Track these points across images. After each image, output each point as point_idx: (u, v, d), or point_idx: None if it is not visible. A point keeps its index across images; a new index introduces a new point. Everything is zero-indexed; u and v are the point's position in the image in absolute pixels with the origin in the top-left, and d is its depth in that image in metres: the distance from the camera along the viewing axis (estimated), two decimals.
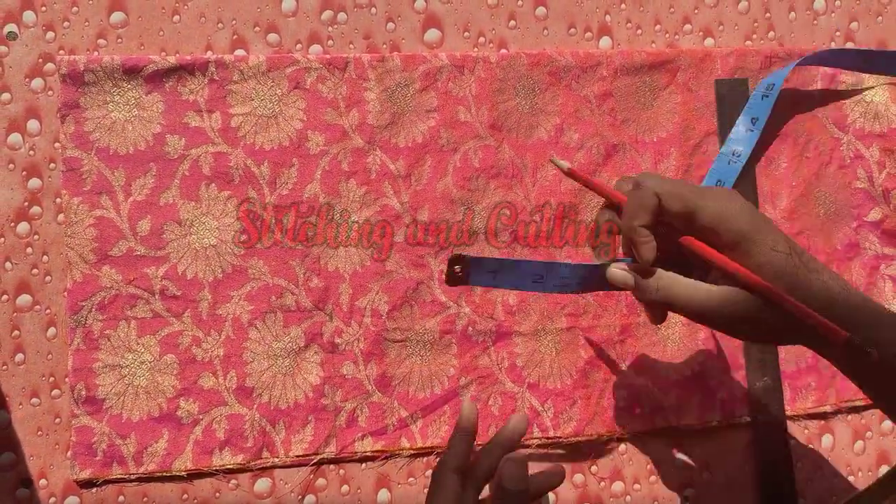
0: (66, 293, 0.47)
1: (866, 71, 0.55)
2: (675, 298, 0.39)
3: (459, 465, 0.42)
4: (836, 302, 0.37)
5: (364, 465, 0.49)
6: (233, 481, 0.48)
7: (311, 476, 0.49)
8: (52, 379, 0.47)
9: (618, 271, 0.40)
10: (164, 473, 0.47)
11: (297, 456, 0.48)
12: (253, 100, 0.49)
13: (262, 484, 0.48)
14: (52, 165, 0.48)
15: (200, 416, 0.48)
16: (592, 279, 0.42)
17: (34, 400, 0.47)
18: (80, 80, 0.47)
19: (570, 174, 0.42)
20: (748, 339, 0.44)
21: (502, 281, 0.42)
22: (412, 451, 0.49)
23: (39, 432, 0.47)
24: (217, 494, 0.47)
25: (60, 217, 0.48)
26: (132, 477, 0.47)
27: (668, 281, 0.39)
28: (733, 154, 0.53)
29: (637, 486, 0.51)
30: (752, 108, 0.53)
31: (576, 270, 0.41)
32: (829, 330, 0.37)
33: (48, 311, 0.48)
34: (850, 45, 0.57)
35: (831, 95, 0.56)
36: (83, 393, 0.47)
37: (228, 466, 0.48)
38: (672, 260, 0.40)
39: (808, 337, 0.38)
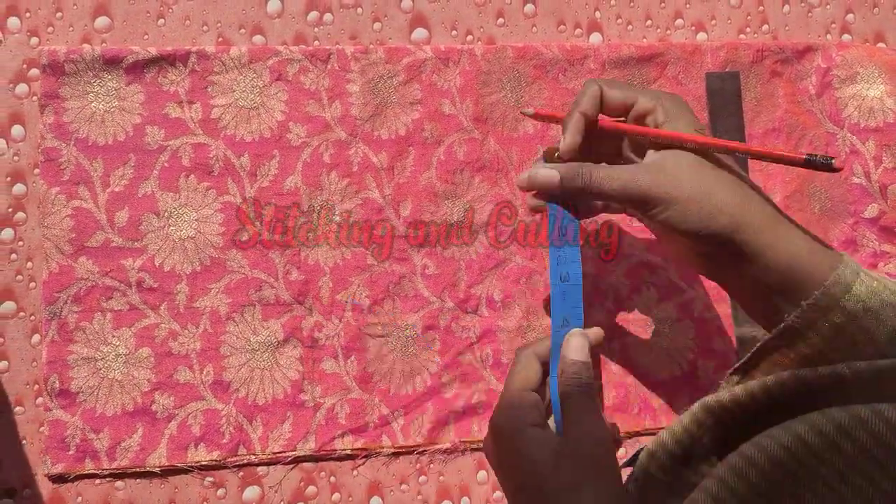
0: (41, 283, 0.46)
1: None
2: (599, 178, 0.39)
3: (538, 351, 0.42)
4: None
5: (356, 471, 0.48)
6: (220, 490, 0.47)
7: (301, 483, 0.48)
8: (36, 387, 0.47)
9: (543, 170, 0.41)
10: (138, 469, 0.46)
11: (275, 453, 0.47)
12: (234, 91, 0.49)
13: (252, 492, 0.47)
14: (37, 171, 0.47)
15: (176, 411, 0.47)
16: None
17: (18, 408, 0.46)
18: (60, 71, 0.47)
19: (536, 116, 0.44)
20: (672, 226, 0.39)
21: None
22: (393, 450, 0.48)
23: (24, 441, 0.46)
24: (204, 502, 0.46)
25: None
26: (105, 472, 0.46)
27: (591, 167, 0.40)
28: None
29: None
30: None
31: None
32: (786, 156, 0.38)
33: (32, 317, 0.47)
34: (846, 38, 0.56)
35: (826, 89, 0.54)
36: (57, 386, 0.46)
37: (203, 463, 0.46)
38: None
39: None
